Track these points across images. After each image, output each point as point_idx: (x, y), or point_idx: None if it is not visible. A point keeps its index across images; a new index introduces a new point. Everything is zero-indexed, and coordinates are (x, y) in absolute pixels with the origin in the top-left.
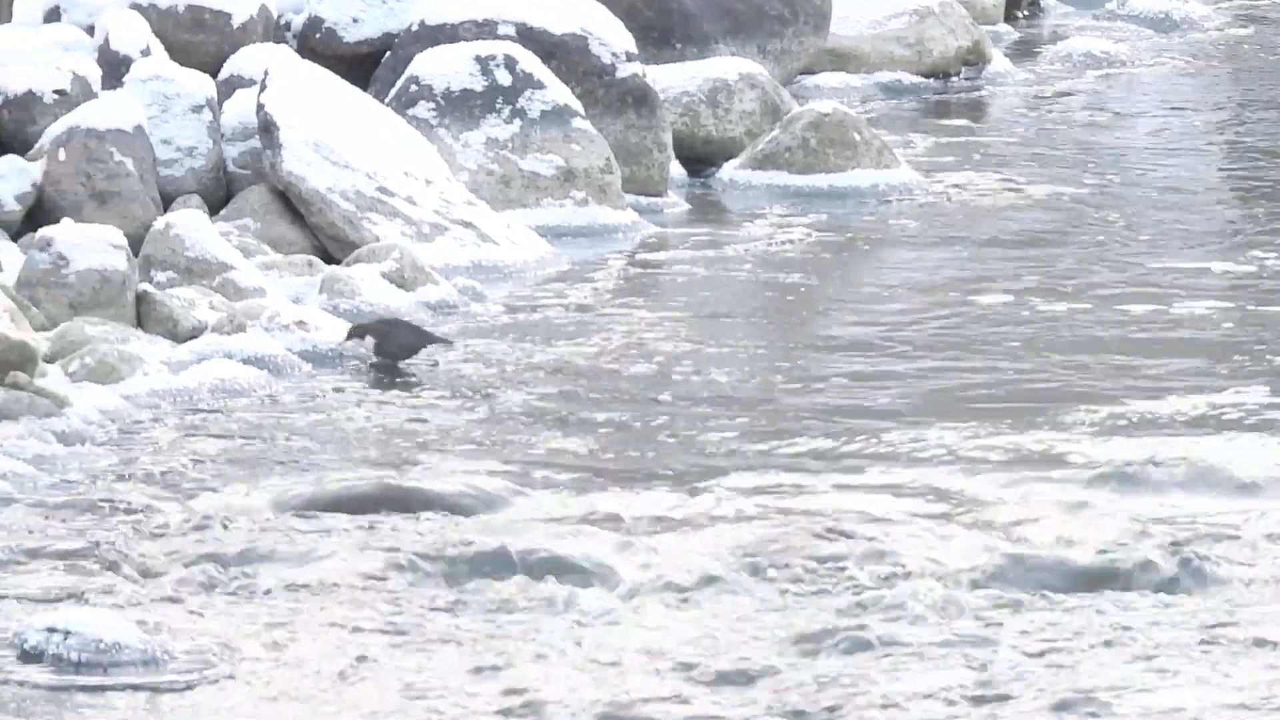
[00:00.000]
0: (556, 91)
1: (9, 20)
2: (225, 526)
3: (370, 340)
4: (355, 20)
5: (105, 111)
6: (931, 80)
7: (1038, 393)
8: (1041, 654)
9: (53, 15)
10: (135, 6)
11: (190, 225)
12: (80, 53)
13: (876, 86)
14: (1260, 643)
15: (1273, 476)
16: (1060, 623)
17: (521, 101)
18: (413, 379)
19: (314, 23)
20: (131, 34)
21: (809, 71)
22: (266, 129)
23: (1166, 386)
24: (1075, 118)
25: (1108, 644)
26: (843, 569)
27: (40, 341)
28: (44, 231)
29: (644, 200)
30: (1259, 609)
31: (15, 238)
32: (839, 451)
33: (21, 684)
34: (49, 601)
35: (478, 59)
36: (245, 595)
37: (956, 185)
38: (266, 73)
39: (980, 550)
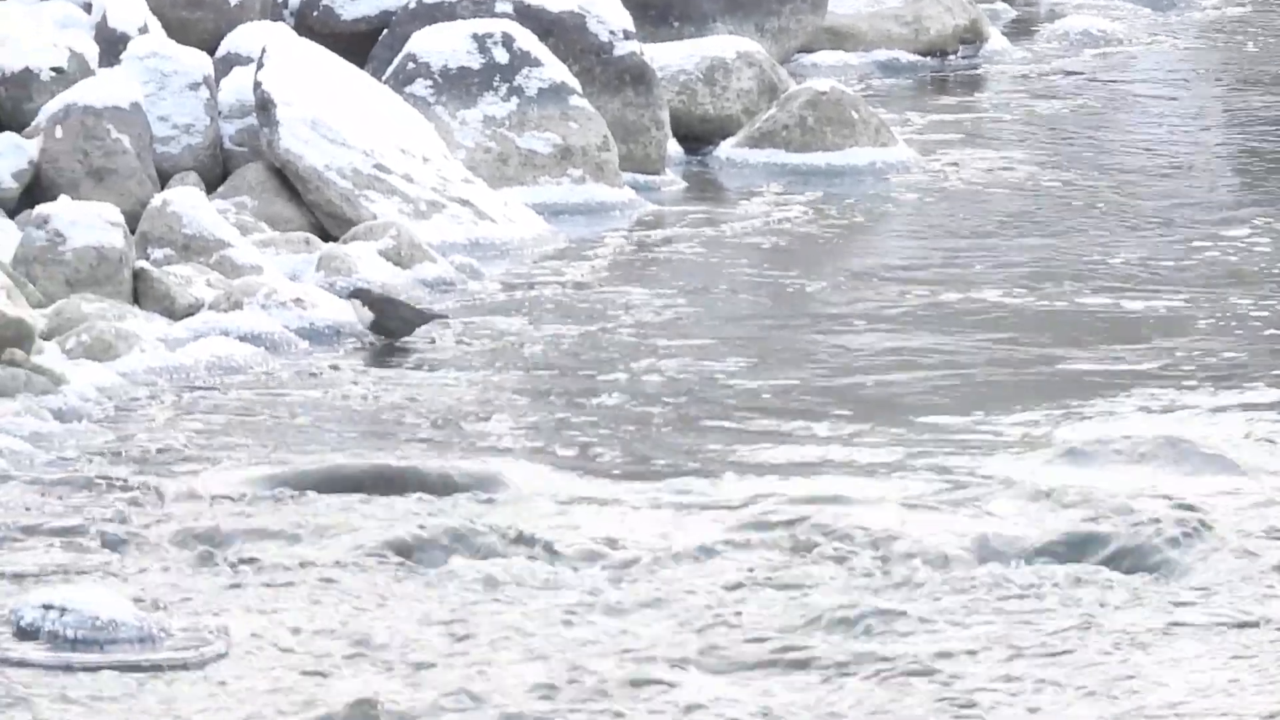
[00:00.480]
0: (554, 69)
1: None
2: (222, 504)
3: (368, 312)
4: None
5: (102, 89)
6: (929, 58)
7: (1031, 373)
8: (1029, 632)
9: None
10: None
11: (187, 202)
12: (78, 30)
13: (874, 65)
14: (1238, 621)
15: (1255, 456)
16: (1048, 601)
17: (519, 79)
18: (409, 357)
19: (311, 0)
20: (129, 11)
21: (807, 50)
22: (264, 107)
23: (1155, 366)
24: (1072, 96)
25: (1090, 623)
26: (836, 548)
27: (37, 319)
28: (41, 209)
29: (641, 178)
30: (1238, 588)
31: (12, 215)
32: (836, 430)
33: (18, 661)
34: (45, 578)
35: (475, 37)
36: (242, 573)
37: (954, 163)
38: (264, 50)
39: (971, 529)
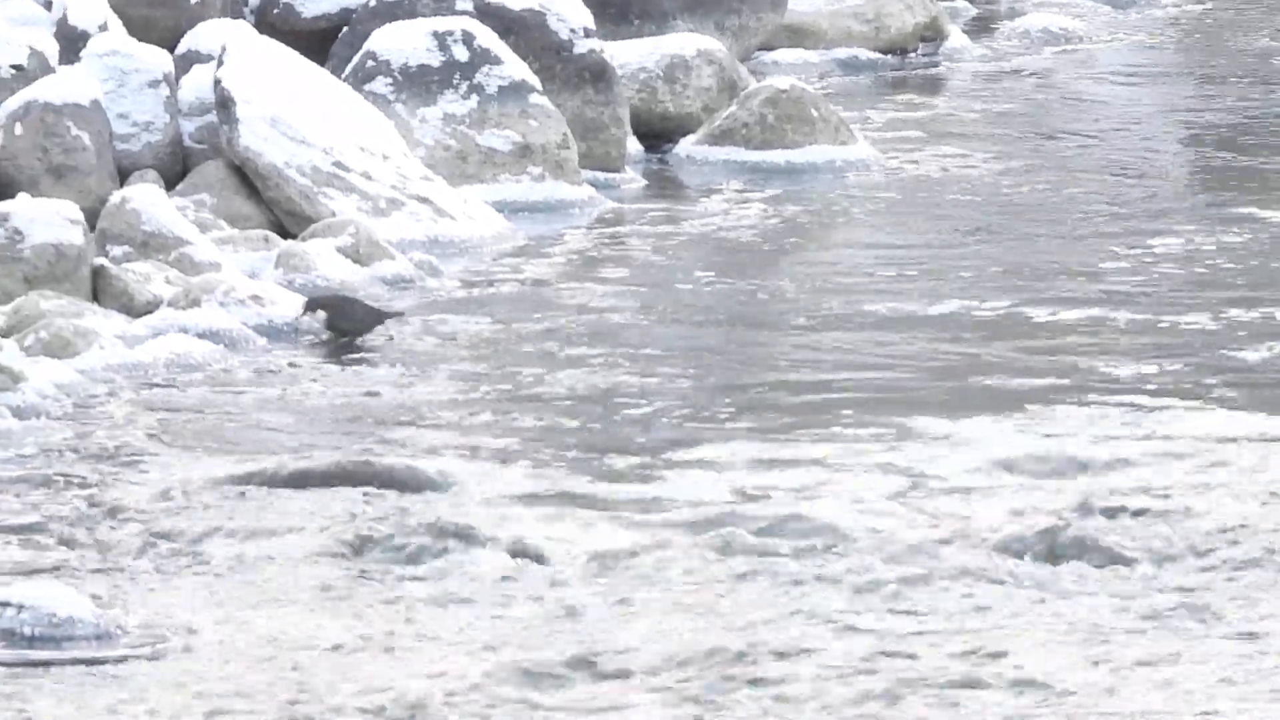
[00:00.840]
0: (514, 67)
1: None
2: (180, 501)
3: (322, 314)
4: None
5: (62, 86)
6: (889, 56)
7: (984, 371)
8: (982, 625)
9: None
10: None
11: (147, 200)
12: (38, 27)
13: (834, 62)
14: (1193, 609)
15: (1208, 450)
16: (1002, 596)
17: (479, 77)
18: (368, 354)
19: None
20: (89, 9)
21: (767, 47)
22: (223, 104)
23: (1104, 364)
24: (1032, 94)
25: (1044, 617)
26: (793, 544)
27: None
28: (0, 206)
29: (601, 176)
30: (1193, 580)
31: None
32: (793, 426)
33: None
34: (2, 575)
35: (435, 34)
36: (200, 570)
37: (913, 161)
38: (224, 48)
39: (923, 525)
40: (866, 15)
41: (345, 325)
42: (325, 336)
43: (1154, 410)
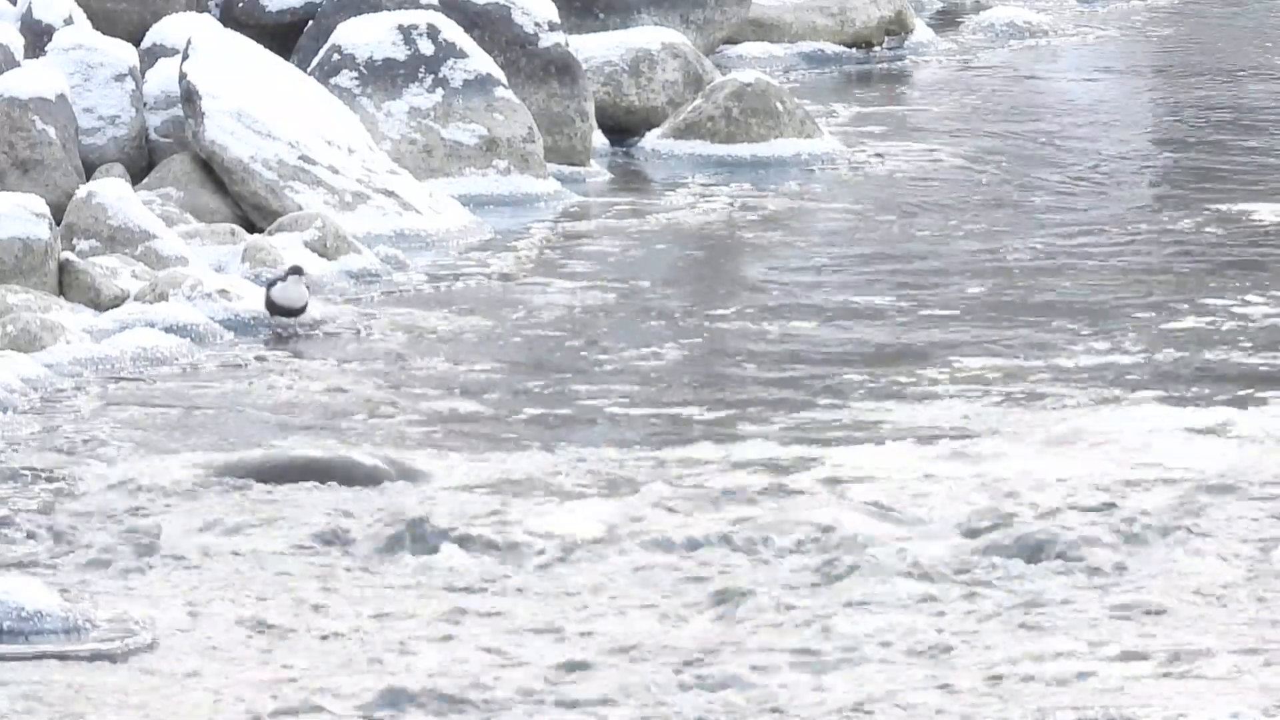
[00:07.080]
0: (479, 61)
1: None
2: (148, 495)
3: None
4: None
5: (28, 80)
6: (854, 50)
7: (950, 362)
8: (949, 622)
9: None
10: None
11: (113, 194)
12: (3, 22)
13: (799, 56)
14: (1153, 608)
15: (1166, 447)
16: (970, 592)
17: (444, 71)
18: (333, 348)
19: None
20: (54, 3)
21: (732, 41)
22: (189, 98)
23: (1065, 358)
24: (996, 88)
25: (1010, 612)
26: (748, 537)
27: None
28: None
29: (566, 169)
30: (1154, 577)
31: None
32: (756, 419)
33: None
34: None
35: (400, 28)
36: (167, 563)
37: (878, 155)
38: (189, 42)
39: (889, 520)
40: (831, 9)
41: (285, 306)
42: (291, 329)
43: (1093, 404)
